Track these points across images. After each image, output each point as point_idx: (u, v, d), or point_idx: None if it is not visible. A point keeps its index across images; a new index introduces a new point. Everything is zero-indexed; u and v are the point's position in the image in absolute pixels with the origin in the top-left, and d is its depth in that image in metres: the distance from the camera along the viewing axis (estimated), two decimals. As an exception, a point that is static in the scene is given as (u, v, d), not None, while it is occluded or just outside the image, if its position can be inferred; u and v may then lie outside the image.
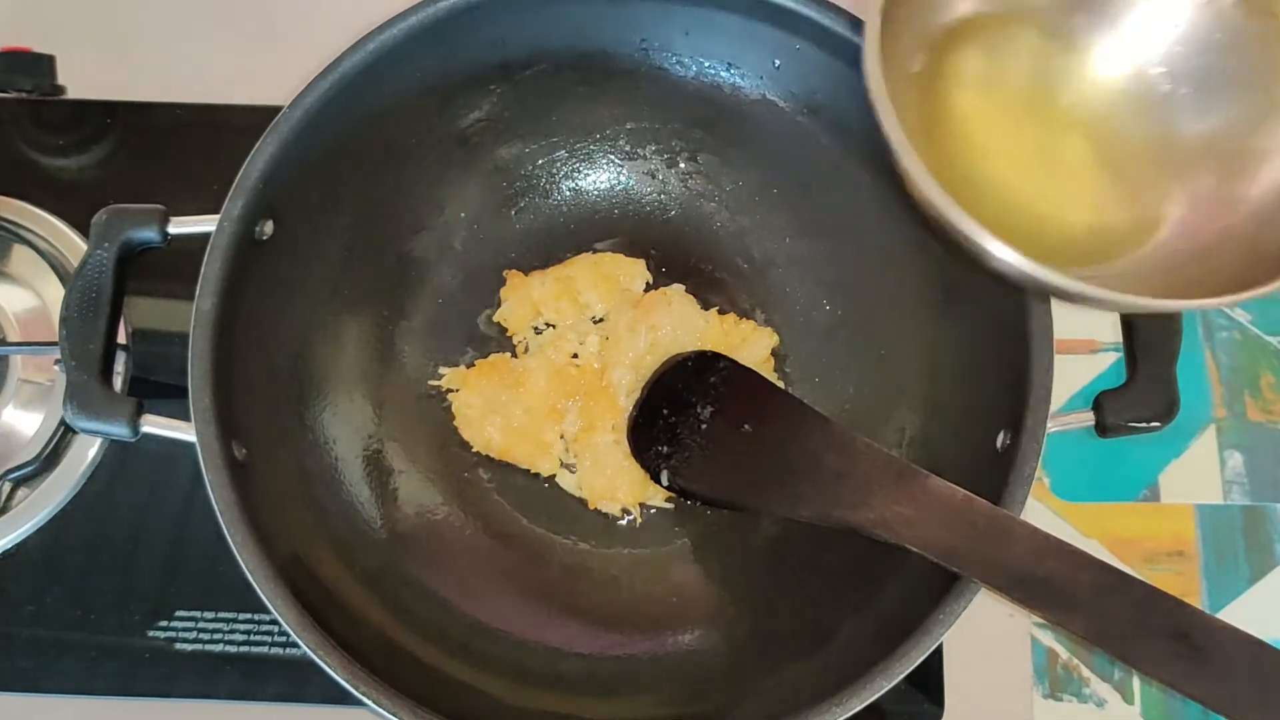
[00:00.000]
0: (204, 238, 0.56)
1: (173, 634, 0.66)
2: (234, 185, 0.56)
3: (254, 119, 0.70)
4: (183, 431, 0.54)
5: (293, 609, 0.51)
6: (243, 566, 0.52)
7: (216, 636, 0.66)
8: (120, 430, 0.54)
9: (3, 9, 0.82)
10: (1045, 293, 0.50)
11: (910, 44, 0.49)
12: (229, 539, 0.52)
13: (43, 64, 0.78)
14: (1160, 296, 0.44)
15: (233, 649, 0.66)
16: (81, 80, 0.79)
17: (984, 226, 0.43)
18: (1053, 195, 0.52)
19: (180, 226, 0.57)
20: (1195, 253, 0.49)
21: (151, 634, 0.66)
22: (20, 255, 0.74)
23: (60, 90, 0.79)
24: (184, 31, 0.83)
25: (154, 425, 0.55)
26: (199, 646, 0.66)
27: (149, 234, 0.57)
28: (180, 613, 0.67)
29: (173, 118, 0.78)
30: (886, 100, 0.44)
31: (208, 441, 0.53)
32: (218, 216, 0.56)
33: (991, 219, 0.44)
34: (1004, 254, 0.44)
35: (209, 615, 0.67)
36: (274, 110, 0.67)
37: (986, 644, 0.68)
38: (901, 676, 0.50)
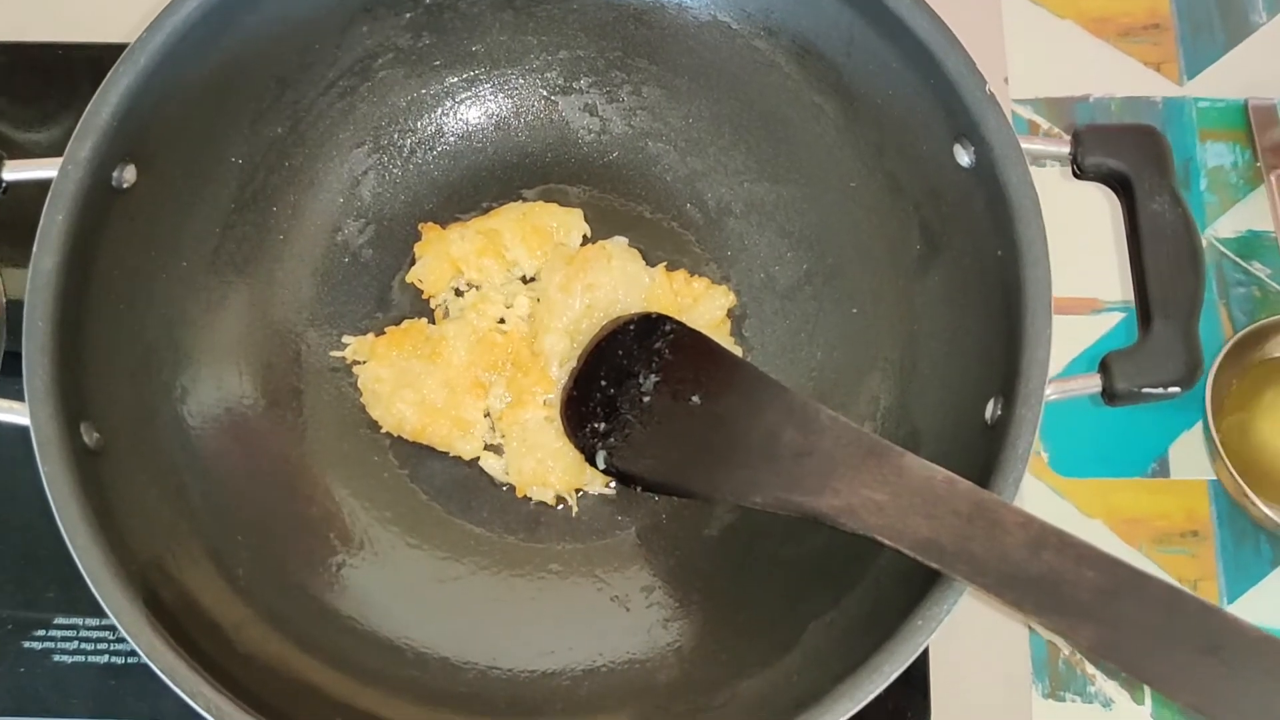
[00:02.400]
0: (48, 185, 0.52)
1: (51, 644, 0.63)
2: (80, 124, 0.52)
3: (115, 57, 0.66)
4: (17, 414, 0.49)
5: (145, 623, 0.47)
6: (85, 574, 0.47)
7: (102, 646, 0.63)
8: None
9: None
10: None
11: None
12: (68, 541, 0.48)
13: None
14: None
15: (119, 661, 0.63)
16: None
17: None
18: None
19: (17, 172, 0.53)
20: None
21: (27, 645, 0.63)
22: None
23: None
24: None
25: None
26: (80, 659, 0.63)
27: None
28: (59, 620, 0.64)
29: (23, 57, 0.74)
30: None
31: (43, 424, 0.49)
32: (60, 160, 0.51)
33: None
34: None
35: (92, 623, 0.63)
36: None
37: (979, 637, 0.66)
38: (872, 695, 0.47)
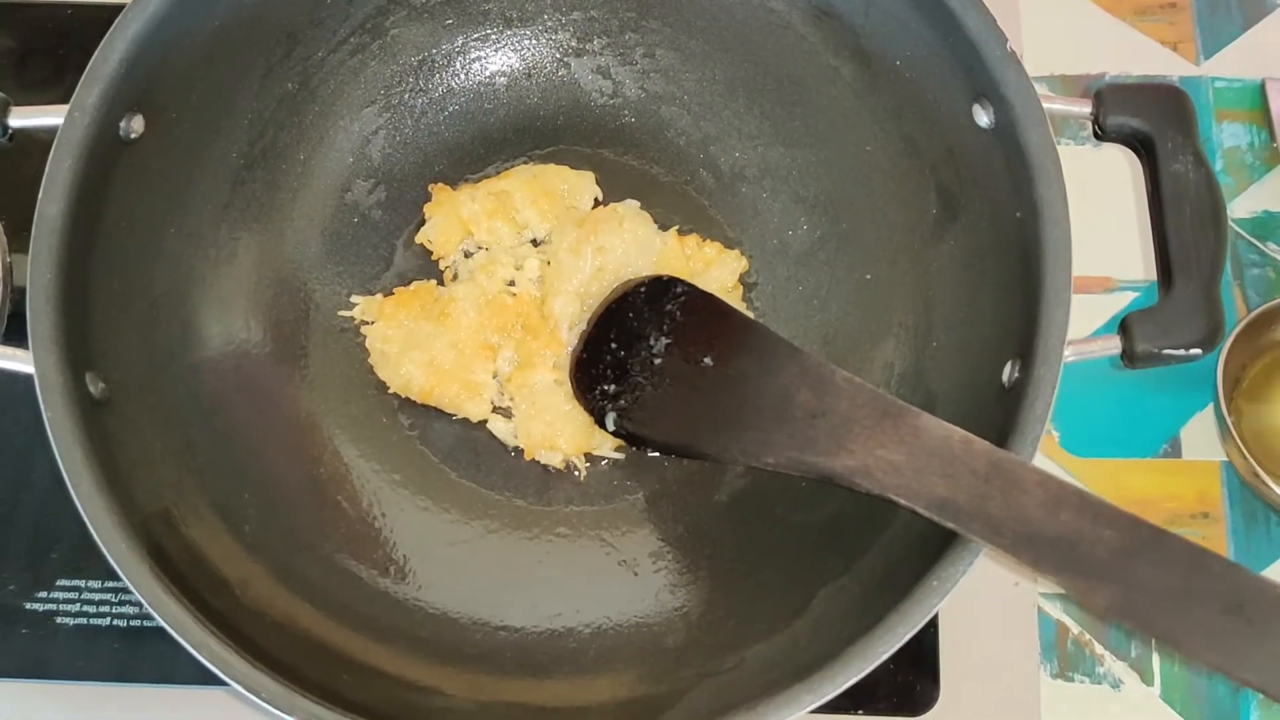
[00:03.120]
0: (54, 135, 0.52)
1: (54, 606, 0.63)
2: (87, 70, 0.52)
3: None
4: (20, 362, 0.49)
5: (149, 574, 0.47)
6: (87, 521, 0.47)
7: (104, 609, 0.63)
8: None
9: None
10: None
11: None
12: (70, 488, 0.48)
13: None
14: None
15: (122, 623, 0.62)
16: None
17: None
18: None
19: (24, 118, 0.53)
20: None
21: (29, 606, 0.63)
22: None
23: None
24: None
25: None
26: (83, 621, 0.63)
27: None
28: (62, 582, 0.63)
29: (39, 16, 0.74)
30: None
31: (48, 372, 0.48)
32: (67, 107, 0.51)
33: None
34: None
35: (95, 585, 0.63)
36: None
37: (987, 617, 0.66)
38: (884, 656, 0.46)
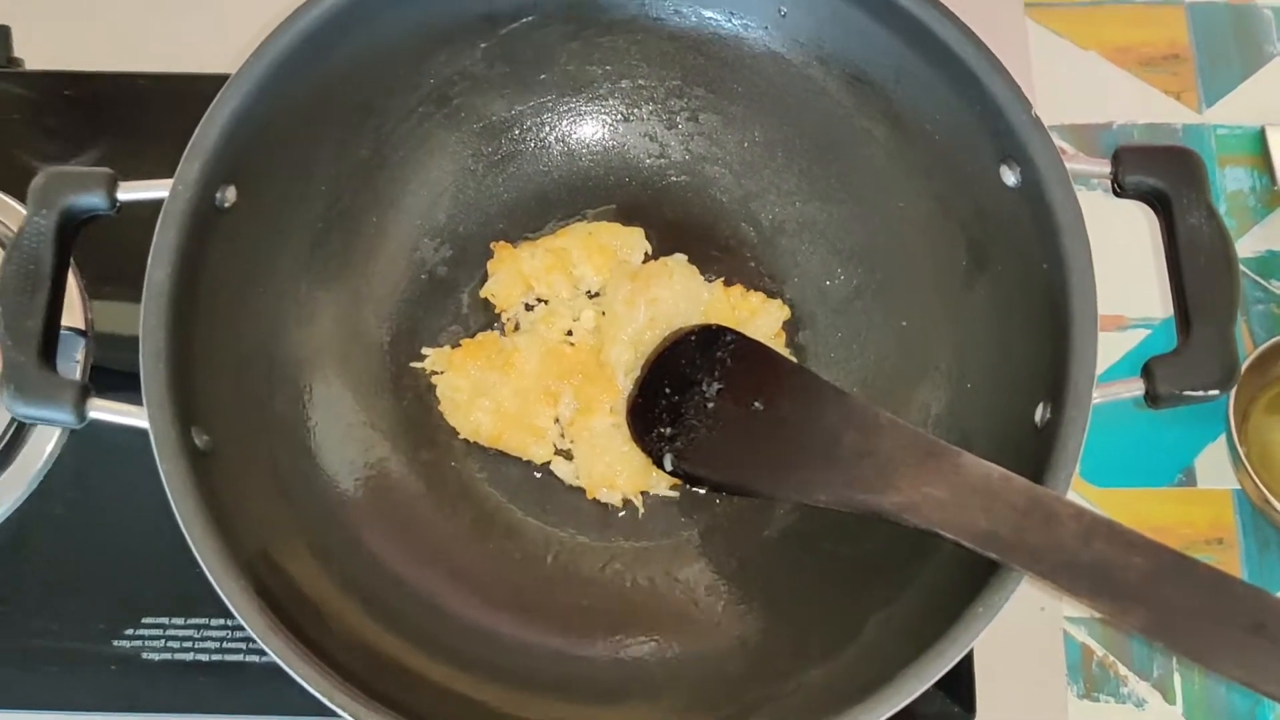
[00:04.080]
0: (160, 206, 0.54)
1: (140, 642, 0.64)
2: (190, 145, 0.54)
3: (218, 88, 0.70)
4: (135, 417, 0.51)
5: (258, 611, 0.49)
6: (201, 562, 0.49)
7: (187, 645, 0.65)
8: (64, 416, 0.51)
9: None
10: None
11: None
12: (186, 533, 0.50)
13: None
14: None
15: (205, 658, 0.64)
16: (39, 52, 0.78)
17: None
18: None
19: (131, 192, 0.54)
20: None
21: (117, 643, 0.64)
22: None
23: (17, 63, 0.77)
24: (142, 1, 0.82)
25: (103, 410, 0.52)
26: (169, 655, 0.64)
27: (94, 200, 0.54)
28: (148, 619, 0.65)
29: (132, 87, 0.77)
30: None
31: (162, 427, 0.50)
32: (172, 180, 0.54)
33: None
34: None
35: (179, 621, 0.65)
36: None
37: (1016, 641, 0.67)
38: (938, 677, 0.48)
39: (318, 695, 0.48)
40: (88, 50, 0.78)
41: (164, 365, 0.51)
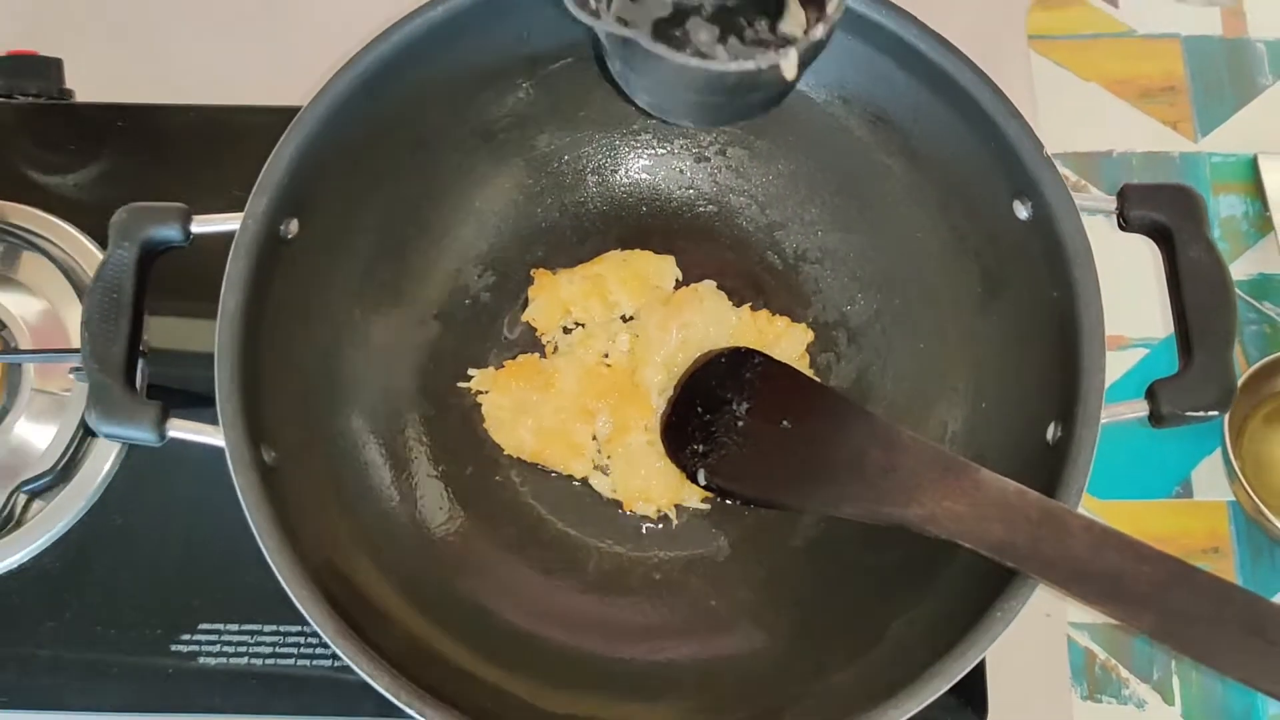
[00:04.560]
0: (225, 238, 0.56)
1: (196, 648, 0.66)
2: (258, 182, 0.57)
3: (265, 119, 0.71)
4: (210, 436, 0.54)
5: (328, 616, 0.51)
6: (275, 572, 0.52)
7: (241, 650, 0.66)
8: (146, 435, 0.54)
9: (9, 13, 0.83)
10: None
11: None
12: (261, 544, 0.52)
13: (50, 68, 0.79)
14: None
15: (258, 663, 0.66)
16: (90, 84, 0.80)
17: None
18: None
19: (203, 225, 0.57)
20: None
21: (174, 648, 0.66)
22: (31, 262, 0.74)
23: (69, 94, 0.79)
24: (191, 33, 0.83)
25: (181, 430, 0.54)
26: (223, 661, 0.66)
27: (170, 233, 0.56)
28: (203, 626, 0.66)
29: (183, 120, 0.78)
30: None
31: (236, 445, 0.53)
32: (241, 214, 0.56)
33: None
34: None
35: (233, 628, 0.66)
36: (286, 111, 0.68)
37: (1023, 646, 0.68)
38: (959, 677, 0.50)
39: (383, 691, 0.50)
40: (136, 82, 0.80)
41: (237, 387, 0.53)
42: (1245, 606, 0.47)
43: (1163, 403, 0.56)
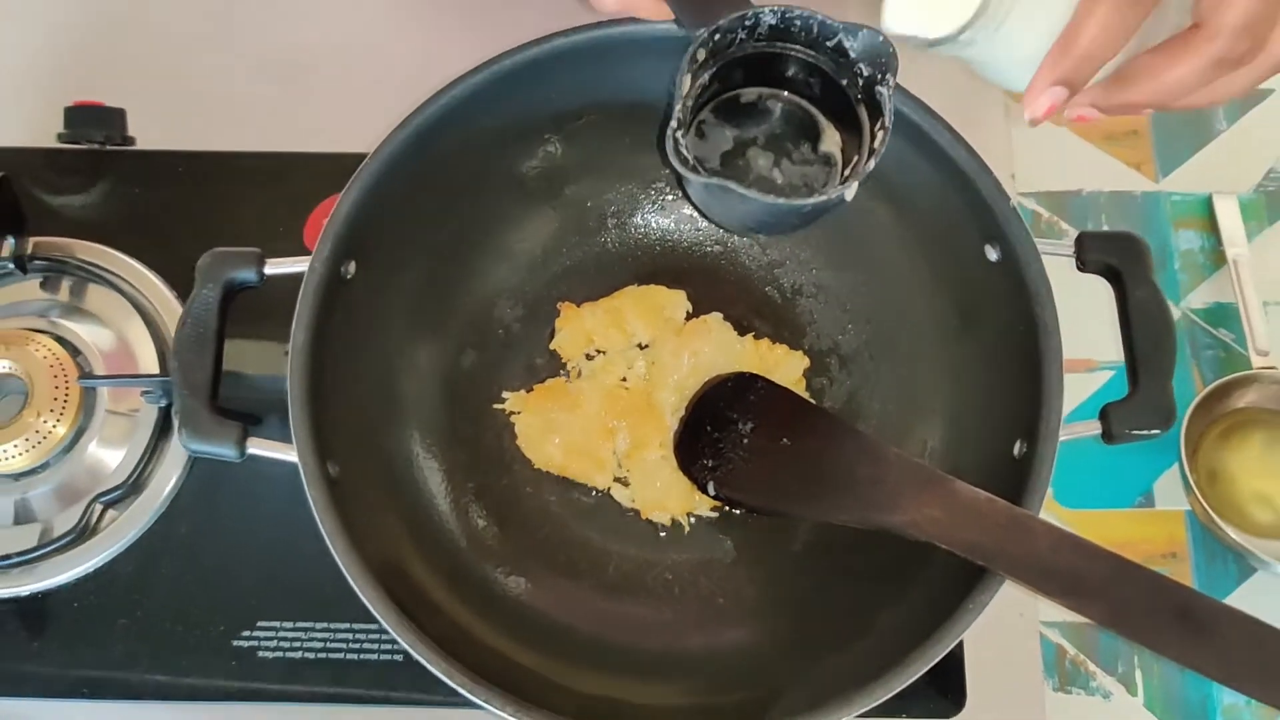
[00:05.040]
0: (291, 278, 0.61)
1: (255, 642, 0.70)
2: (323, 230, 0.60)
3: (311, 165, 0.77)
4: (284, 452, 0.58)
5: (390, 609, 0.55)
6: (344, 572, 0.55)
7: (296, 644, 0.70)
8: (228, 451, 0.58)
9: (75, 67, 0.86)
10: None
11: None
12: (331, 547, 0.56)
13: (114, 117, 0.82)
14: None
15: (311, 656, 0.70)
16: (151, 131, 0.83)
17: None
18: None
19: (275, 267, 0.61)
20: None
21: (236, 644, 0.70)
22: (98, 294, 0.79)
23: (131, 141, 0.83)
24: (242, 86, 0.86)
25: (258, 447, 0.59)
26: (280, 654, 0.70)
27: (248, 274, 0.61)
28: (261, 623, 0.71)
29: (237, 165, 0.82)
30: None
31: (308, 461, 0.57)
32: (309, 258, 0.60)
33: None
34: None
35: (288, 625, 0.71)
36: (329, 157, 0.75)
37: (1000, 643, 0.71)
38: (936, 660, 0.54)
39: (438, 674, 0.54)
40: (193, 130, 0.83)
41: (306, 410, 0.57)
42: (1177, 597, 0.51)
43: (1113, 423, 0.60)
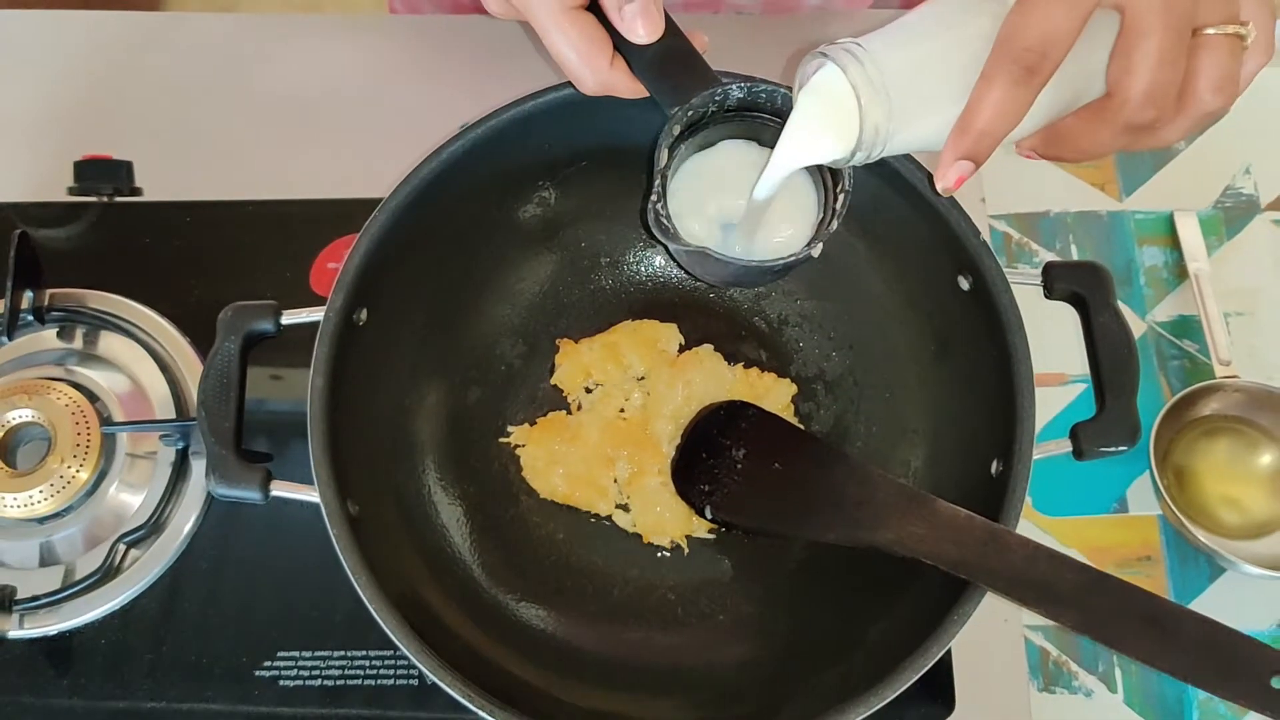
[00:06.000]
0: (306, 327, 0.64)
1: (276, 672, 0.72)
2: (335, 281, 0.63)
3: (315, 210, 0.80)
4: (306, 494, 0.60)
5: (410, 636, 0.57)
6: (366, 603, 0.58)
7: (315, 673, 0.72)
8: (254, 495, 0.61)
9: (84, 121, 0.88)
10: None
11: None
12: (353, 581, 0.58)
13: (121, 169, 0.84)
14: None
15: (330, 683, 0.72)
16: (158, 182, 0.85)
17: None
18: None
19: (291, 318, 0.63)
20: None
21: (258, 673, 0.72)
22: (112, 341, 0.82)
23: (139, 192, 0.85)
24: (246, 136, 0.88)
25: (281, 489, 0.61)
26: (300, 682, 0.72)
27: (266, 325, 0.63)
28: (281, 653, 0.73)
29: (240, 213, 0.85)
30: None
31: (329, 501, 0.59)
32: (323, 308, 0.62)
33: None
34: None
35: (307, 654, 0.73)
36: (333, 202, 0.78)
37: (987, 647, 0.73)
38: (925, 669, 0.56)
39: (457, 697, 0.56)
40: (198, 181, 0.85)
41: (326, 452, 0.59)
42: (1144, 603, 0.53)
43: (1082, 441, 0.62)
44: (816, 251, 0.55)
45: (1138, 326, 0.84)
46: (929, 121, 0.51)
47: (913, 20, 0.51)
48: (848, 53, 0.50)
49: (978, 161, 0.49)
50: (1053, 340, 0.80)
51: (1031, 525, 0.78)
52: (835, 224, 0.55)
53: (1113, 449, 0.62)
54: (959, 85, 0.49)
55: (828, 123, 0.51)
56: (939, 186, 0.50)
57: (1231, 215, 0.88)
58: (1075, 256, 0.86)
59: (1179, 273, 0.85)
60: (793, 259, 0.56)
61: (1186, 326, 0.84)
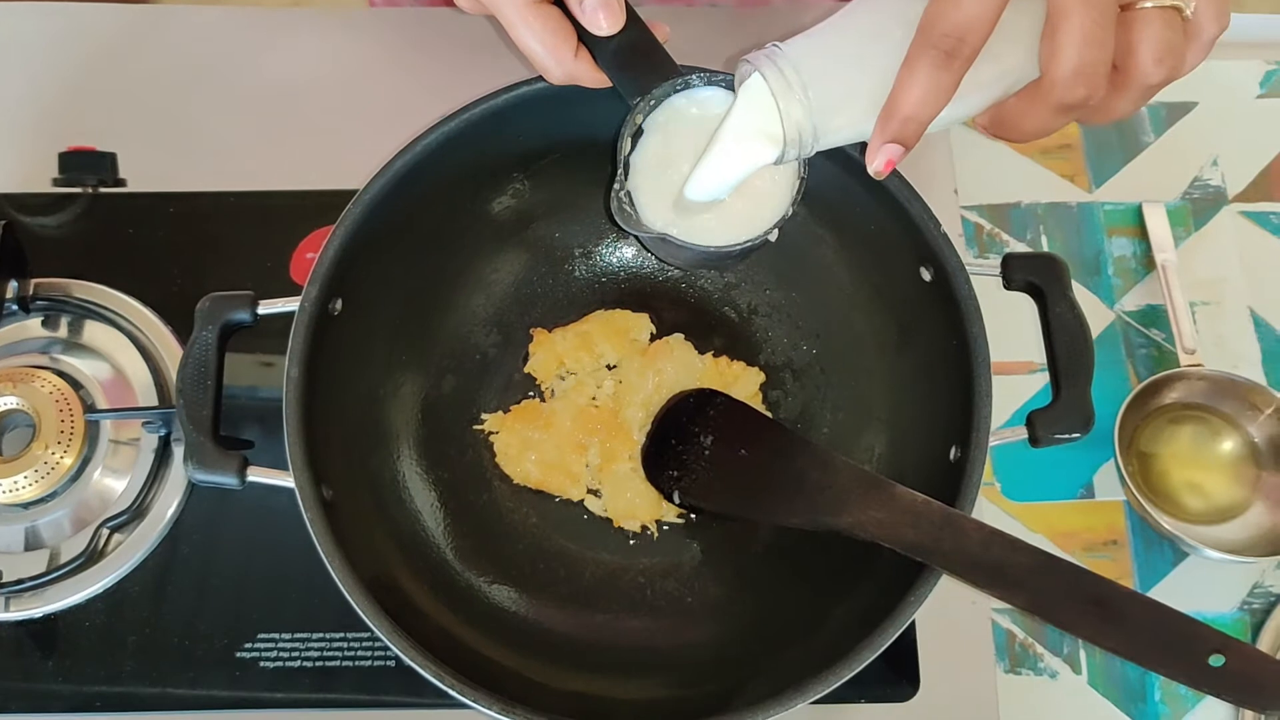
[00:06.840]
0: (283, 317, 0.65)
1: (256, 654, 0.73)
2: (311, 271, 0.64)
3: (294, 201, 0.81)
4: (281, 479, 0.61)
5: (382, 618, 0.58)
6: (340, 587, 0.59)
7: (294, 654, 0.74)
8: (230, 480, 0.62)
9: (69, 113, 0.90)
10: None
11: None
12: (327, 565, 0.59)
13: (106, 161, 0.85)
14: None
15: (309, 664, 0.73)
16: (141, 174, 0.86)
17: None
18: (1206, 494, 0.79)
19: (268, 308, 0.64)
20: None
21: (238, 655, 0.73)
22: (96, 330, 0.83)
23: (122, 183, 0.86)
24: (228, 129, 0.89)
25: (257, 475, 0.63)
26: (280, 664, 0.73)
27: (243, 315, 0.64)
28: (261, 635, 0.74)
29: (223, 204, 0.86)
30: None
31: (304, 486, 0.60)
32: (299, 298, 0.63)
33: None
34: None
35: (286, 636, 0.74)
36: (312, 194, 0.79)
37: (953, 629, 0.74)
38: (882, 649, 0.58)
39: (429, 678, 0.57)
40: (182, 172, 0.86)
41: (301, 438, 0.60)
42: (1091, 585, 0.54)
43: (1038, 429, 0.64)
44: (774, 236, 0.57)
45: (1106, 316, 0.85)
46: (852, 113, 0.52)
47: (835, 18, 0.53)
48: (767, 57, 0.51)
49: (906, 145, 0.50)
50: (1020, 329, 0.80)
51: (999, 511, 0.79)
52: (791, 210, 0.56)
53: (1066, 436, 0.63)
54: (880, 76, 0.51)
55: (755, 128, 0.53)
56: (870, 170, 0.51)
57: (1199, 206, 0.88)
58: (1045, 247, 0.87)
59: (1147, 263, 0.86)
60: (750, 244, 0.57)
61: (1154, 316, 0.85)
